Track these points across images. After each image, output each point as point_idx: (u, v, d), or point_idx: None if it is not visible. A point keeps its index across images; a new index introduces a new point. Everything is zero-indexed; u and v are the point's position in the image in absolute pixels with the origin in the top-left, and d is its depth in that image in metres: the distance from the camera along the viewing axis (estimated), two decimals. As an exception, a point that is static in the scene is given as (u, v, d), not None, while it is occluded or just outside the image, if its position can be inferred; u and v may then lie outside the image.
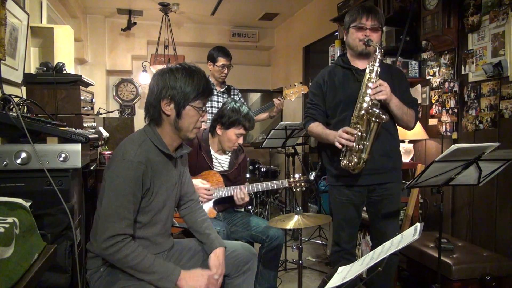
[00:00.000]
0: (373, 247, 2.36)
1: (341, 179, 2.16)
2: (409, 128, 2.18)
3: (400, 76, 2.23)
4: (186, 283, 1.51)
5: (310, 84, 5.09)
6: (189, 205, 1.86)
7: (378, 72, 1.99)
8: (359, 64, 2.15)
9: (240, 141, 2.37)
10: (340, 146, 1.99)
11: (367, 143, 1.95)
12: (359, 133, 1.96)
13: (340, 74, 2.18)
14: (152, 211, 1.58)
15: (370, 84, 1.98)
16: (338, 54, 3.91)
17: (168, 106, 1.54)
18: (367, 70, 2.02)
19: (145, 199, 1.54)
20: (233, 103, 2.38)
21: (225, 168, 2.47)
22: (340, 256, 2.25)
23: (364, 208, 2.33)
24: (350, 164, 2.00)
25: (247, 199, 2.32)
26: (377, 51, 1.99)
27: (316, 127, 2.18)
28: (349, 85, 2.13)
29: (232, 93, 3.33)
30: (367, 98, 1.98)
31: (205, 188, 2.29)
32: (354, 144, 1.96)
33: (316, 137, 2.23)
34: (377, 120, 1.91)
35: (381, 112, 1.90)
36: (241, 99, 3.33)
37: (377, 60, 1.99)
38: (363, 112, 1.98)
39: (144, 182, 1.50)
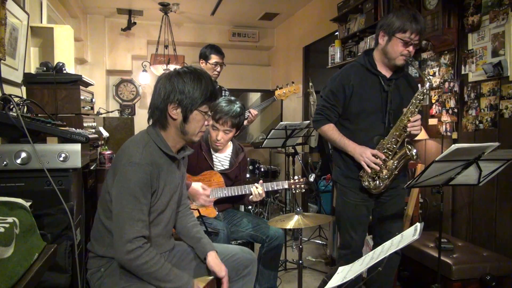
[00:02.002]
0: (376, 246, 2.35)
1: (357, 182, 2.12)
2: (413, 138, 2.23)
3: (416, 88, 2.18)
4: None
5: (310, 84, 5.11)
6: (180, 209, 1.84)
7: (420, 105, 1.97)
8: (385, 70, 2.08)
9: (219, 136, 2.31)
10: (368, 170, 2.01)
11: (394, 173, 2.00)
12: (392, 165, 1.99)
13: (367, 79, 2.08)
14: (155, 212, 1.58)
15: (410, 117, 1.97)
16: (339, 54, 3.93)
17: (175, 110, 1.53)
18: (413, 101, 1.98)
19: (151, 200, 1.54)
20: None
21: (226, 167, 2.47)
22: (349, 260, 2.19)
23: None
24: (371, 186, 2.04)
25: (264, 194, 2.33)
26: (427, 85, 1.94)
27: (333, 132, 2.13)
28: (376, 95, 2.07)
29: (223, 94, 3.32)
30: (403, 128, 1.98)
31: (206, 194, 2.28)
32: (384, 171, 2.00)
33: (329, 141, 2.20)
34: (408, 159, 1.95)
35: (415, 156, 1.94)
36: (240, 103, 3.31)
37: (422, 94, 1.96)
38: (399, 144, 1.99)
39: (152, 183, 1.50)
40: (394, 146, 2.01)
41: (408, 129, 1.96)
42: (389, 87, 2.07)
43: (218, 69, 3.11)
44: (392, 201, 2.17)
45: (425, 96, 1.98)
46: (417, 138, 3.03)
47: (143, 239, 1.46)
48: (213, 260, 1.70)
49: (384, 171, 2.01)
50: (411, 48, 1.97)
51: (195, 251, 1.78)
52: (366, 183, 2.05)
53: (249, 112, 3.11)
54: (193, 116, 1.55)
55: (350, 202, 2.16)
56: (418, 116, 1.97)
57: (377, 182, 2.03)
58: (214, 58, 3.06)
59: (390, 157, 2.01)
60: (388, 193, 2.15)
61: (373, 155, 1.99)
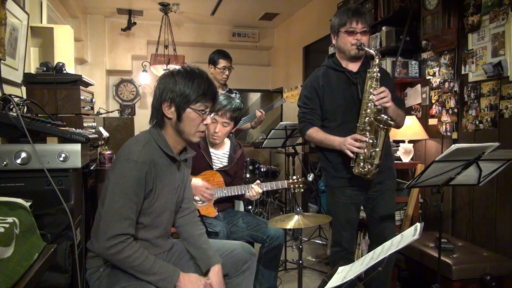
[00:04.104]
0: (370, 245, 2.37)
1: (343, 180, 2.16)
2: (399, 127, 2.23)
3: (387, 77, 2.26)
4: (185, 285, 1.52)
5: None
6: (185, 213, 1.81)
7: (379, 77, 2.01)
8: (351, 66, 2.17)
9: (217, 128, 2.32)
10: (352, 155, 2.01)
11: (378, 149, 1.97)
12: (370, 140, 1.97)
13: (334, 77, 2.18)
14: (154, 213, 1.58)
15: (372, 91, 1.99)
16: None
17: (169, 109, 1.54)
18: (368, 76, 2.03)
19: (147, 201, 1.54)
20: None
21: (225, 164, 2.47)
22: (342, 256, 2.25)
23: (361, 207, 2.34)
24: (363, 170, 2.01)
25: (260, 193, 2.35)
26: (375, 57, 2.01)
27: (317, 133, 2.17)
28: (346, 89, 2.14)
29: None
30: (371, 105, 2.00)
31: (206, 187, 2.25)
32: (366, 151, 1.98)
33: (317, 142, 2.21)
34: (386, 127, 1.93)
35: (389, 119, 1.93)
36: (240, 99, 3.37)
37: (376, 66, 2.00)
38: (369, 119, 1.99)
39: (147, 183, 1.50)
40: (368, 125, 2.01)
41: (376, 103, 1.97)
42: (357, 79, 2.13)
43: (227, 72, 3.27)
44: (381, 197, 2.20)
45: (376, 69, 2.01)
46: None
47: (126, 236, 1.45)
48: (214, 275, 1.66)
49: (367, 151, 1.99)
50: (358, 36, 2.07)
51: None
52: (357, 170, 2.03)
53: (259, 112, 3.23)
54: (187, 115, 1.54)
55: (339, 202, 2.21)
56: (382, 89, 1.99)
57: (366, 165, 2.01)
58: (222, 63, 3.23)
59: (368, 137, 2.00)
60: (374, 189, 2.18)
61: (355, 140, 2.00)
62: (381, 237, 2.18)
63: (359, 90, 2.11)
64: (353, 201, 2.19)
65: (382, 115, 1.95)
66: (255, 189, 2.33)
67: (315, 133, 2.18)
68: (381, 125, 1.93)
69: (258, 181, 2.39)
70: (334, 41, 2.20)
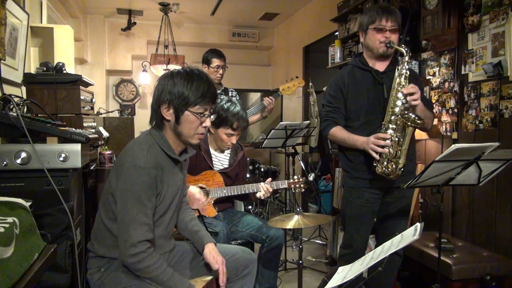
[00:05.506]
0: (378, 246, 2.34)
1: (362, 181, 2.11)
2: (426, 130, 2.16)
3: (416, 78, 2.19)
4: None
5: (310, 84, 5.12)
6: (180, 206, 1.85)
7: (408, 75, 1.97)
8: (377, 65, 2.12)
9: (233, 140, 2.34)
10: (376, 156, 1.96)
11: (403, 148, 1.93)
12: (395, 138, 1.94)
13: (360, 76, 2.13)
14: (158, 214, 1.58)
15: (401, 89, 1.96)
16: (339, 54, 3.94)
17: (168, 111, 1.53)
18: (396, 74, 1.99)
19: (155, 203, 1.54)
20: (224, 101, 2.37)
21: (225, 166, 2.47)
22: (351, 260, 2.19)
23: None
24: (386, 170, 1.96)
25: (271, 189, 2.35)
26: (405, 54, 1.97)
27: (341, 132, 2.12)
28: (371, 88, 2.10)
29: (230, 94, 3.35)
30: (398, 103, 1.96)
31: (202, 202, 2.25)
32: (391, 150, 1.93)
33: (340, 141, 2.16)
34: (413, 125, 1.89)
35: (416, 117, 1.88)
36: (239, 100, 3.34)
37: (406, 64, 1.97)
38: (396, 116, 1.95)
39: (156, 186, 1.50)
40: (392, 125, 1.96)
41: (404, 101, 1.93)
42: (383, 79, 2.09)
43: (221, 71, 3.21)
44: (397, 202, 2.15)
45: (406, 66, 1.98)
46: (417, 138, 3.03)
47: (147, 243, 1.46)
48: (209, 252, 1.70)
49: (391, 150, 1.94)
50: (388, 34, 2.03)
51: (194, 247, 1.79)
52: (380, 170, 1.97)
53: (268, 99, 3.16)
54: (185, 117, 1.53)
55: (355, 203, 2.15)
56: (411, 85, 1.94)
57: (390, 164, 1.94)
58: (215, 62, 3.18)
59: (394, 135, 1.95)
60: (393, 194, 2.13)
61: (378, 139, 1.94)
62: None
63: (385, 90, 2.06)
64: (369, 205, 2.13)
65: (410, 114, 1.90)
66: (264, 188, 2.31)
67: (338, 132, 2.13)
68: (408, 123, 1.88)
69: (269, 179, 2.37)
70: (362, 39, 2.15)
